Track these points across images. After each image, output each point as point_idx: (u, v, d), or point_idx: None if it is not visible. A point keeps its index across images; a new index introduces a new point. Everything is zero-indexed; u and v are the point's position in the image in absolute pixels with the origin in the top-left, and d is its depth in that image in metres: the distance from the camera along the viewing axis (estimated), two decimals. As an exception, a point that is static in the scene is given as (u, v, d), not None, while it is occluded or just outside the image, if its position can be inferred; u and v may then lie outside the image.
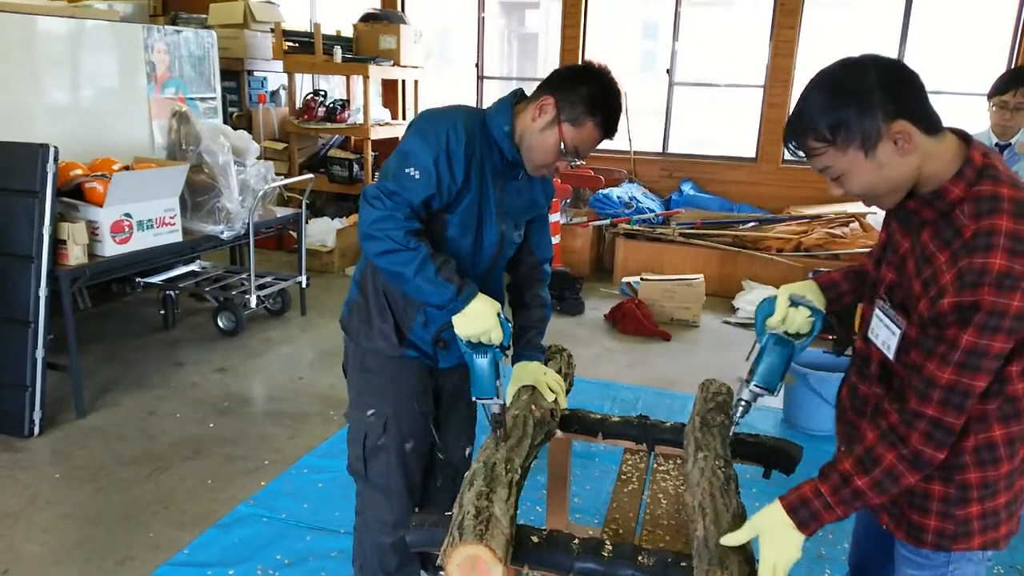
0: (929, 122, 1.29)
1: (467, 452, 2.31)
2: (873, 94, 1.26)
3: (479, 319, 1.74)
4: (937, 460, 1.31)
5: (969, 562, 1.46)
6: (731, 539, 1.45)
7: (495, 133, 1.84)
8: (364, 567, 2.22)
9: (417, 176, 1.72)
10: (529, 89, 1.92)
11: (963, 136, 1.35)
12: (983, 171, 1.29)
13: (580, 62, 1.85)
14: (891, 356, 1.43)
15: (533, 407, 1.95)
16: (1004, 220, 1.23)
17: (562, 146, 1.79)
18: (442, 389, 2.16)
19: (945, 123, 1.34)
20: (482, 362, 1.78)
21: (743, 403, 1.70)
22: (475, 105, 1.93)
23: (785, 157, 6.70)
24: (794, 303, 1.61)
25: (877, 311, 1.49)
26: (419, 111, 1.91)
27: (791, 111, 1.36)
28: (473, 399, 1.83)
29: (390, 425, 2.02)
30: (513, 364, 2.06)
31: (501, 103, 1.88)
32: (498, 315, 1.77)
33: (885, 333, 1.46)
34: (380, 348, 1.99)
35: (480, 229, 1.88)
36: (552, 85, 1.81)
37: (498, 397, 1.80)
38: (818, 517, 1.38)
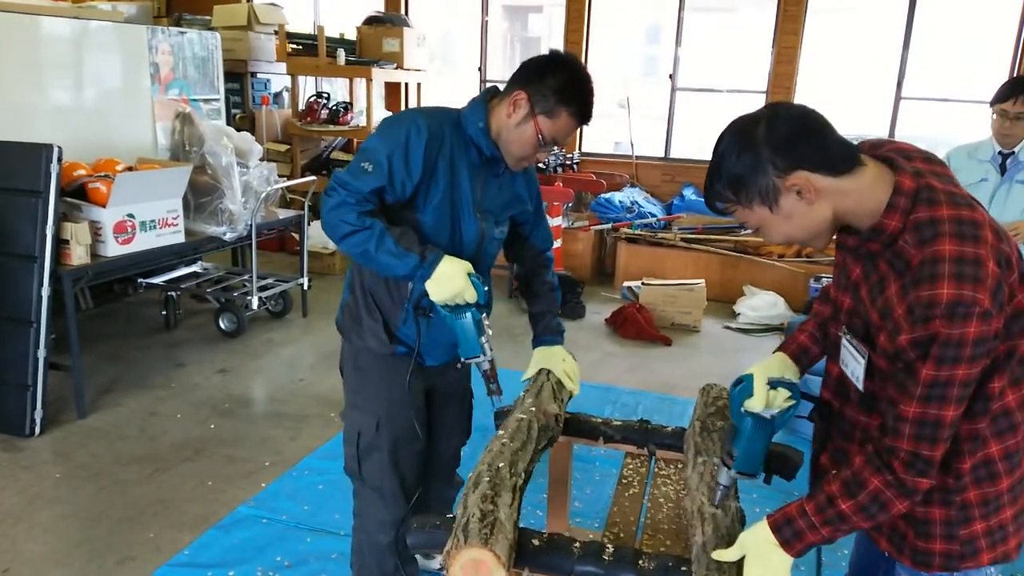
0: (832, 164, 1.26)
1: (458, 447, 2.36)
2: (761, 151, 1.26)
3: (449, 282, 1.79)
4: (922, 487, 1.28)
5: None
6: (722, 555, 1.44)
7: (470, 131, 1.87)
8: (362, 568, 2.23)
9: (370, 169, 1.79)
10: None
11: (889, 162, 1.31)
12: (917, 196, 1.25)
13: (547, 52, 1.89)
14: (860, 387, 1.41)
15: (538, 412, 1.95)
16: (946, 244, 1.19)
17: (540, 138, 1.82)
18: (435, 388, 2.18)
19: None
20: (463, 323, 1.84)
21: (722, 487, 1.62)
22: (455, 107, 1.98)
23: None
24: (772, 385, 1.54)
25: (844, 342, 1.46)
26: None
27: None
28: (463, 359, 1.90)
29: (382, 423, 2.05)
30: (535, 347, 2.14)
31: (474, 102, 1.91)
32: (469, 275, 1.81)
33: (853, 364, 1.43)
34: (371, 346, 2.02)
35: (456, 225, 1.91)
36: (522, 79, 1.83)
37: (485, 355, 1.87)
38: (802, 537, 1.35)
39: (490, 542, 1.44)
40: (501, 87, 1.91)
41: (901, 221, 1.25)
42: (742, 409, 1.55)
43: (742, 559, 1.43)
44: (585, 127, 1.94)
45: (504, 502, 1.57)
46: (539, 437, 1.87)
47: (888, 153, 1.33)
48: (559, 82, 1.79)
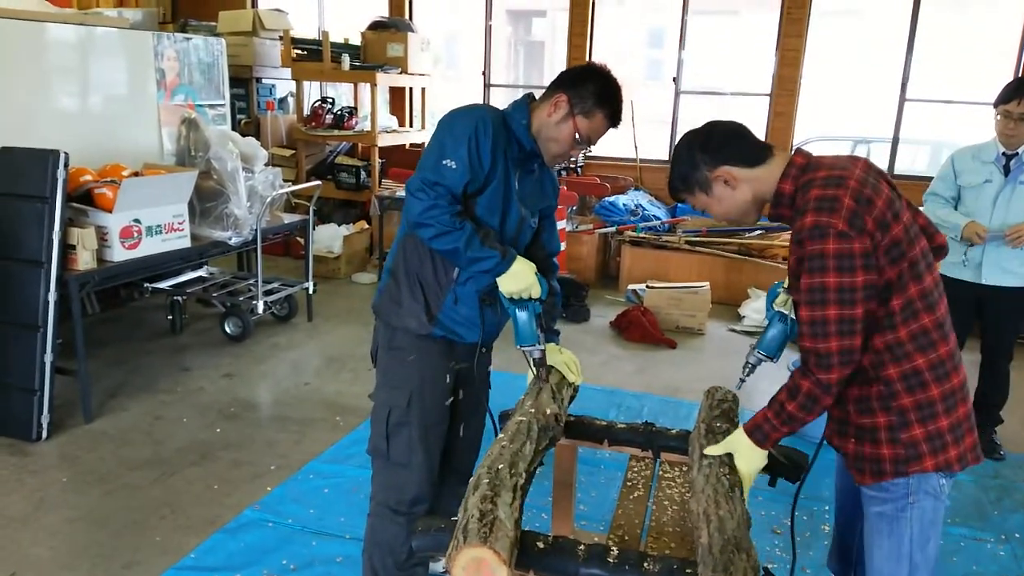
0: (747, 160, 1.73)
1: (478, 435, 2.43)
2: (695, 154, 1.76)
3: (521, 277, 2.01)
4: (832, 380, 1.63)
5: (927, 495, 1.68)
6: (712, 450, 1.85)
7: (514, 127, 2.06)
8: (374, 556, 2.25)
9: (454, 166, 1.94)
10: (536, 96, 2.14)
11: (795, 152, 1.73)
12: (806, 167, 1.69)
13: (585, 63, 2.16)
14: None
15: (537, 413, 1.96)
16: (814, 191, 1.61)
17: (577, 136, 2.04)
18: (462, 371, 2.25)
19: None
20: (523, 315, 2.06)
21: (749, 365, 2.05)
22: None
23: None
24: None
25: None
26: (439, 116, 2.19)
27: None
28: (519, 347, 2.10)
29: (414, 401, 2.15)
30: None
31: (518, 103, 2.12)
32: (536, 274, 2.03)
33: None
34: (410, 327, 2.14)
35: (505, 211, 2.09)
36: (563, 84, 2.05)
37: (539, 344, 2.09)
38: (769, 436, 1.76)
39: (489, 540, 1.45)
40: (537, 93, 2.14)
41: (793, 185, 1.68)
42: (772, 306, 1.95)
43: (749, 565, 1.46)
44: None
45: (504, 501, 1.58)
46: (539, 437, 1.89)
47: (799, 148, 1.78)
48: (596, 87, 2.02)
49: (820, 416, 2.09)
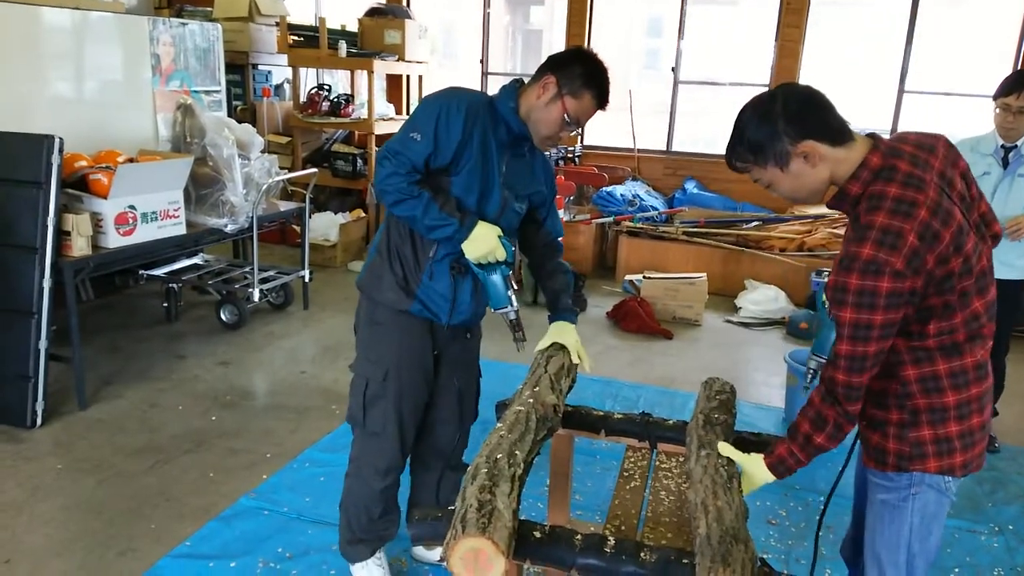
0: (834, 136, 1.56)
1: (456, 440, 2.48)
2: (778, 122, 1.56)
3: (483, 241, 2.05)
4: (856, 411, 1.61)
5: (930, 488, 1.66)
6: (724, 449, 1.83)
7: (502, 110, 2.11)
8: (350, 510, 2.44)
9: (419, 139, 2.01)
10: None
11: (875, 141, 1.60)
12: (879, 172, 1.54)
13: (571, 47, 2.22)
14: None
15: (536, 403, 1.95)
16: (881, 216, 1.47)
17: (565, 116, 2.07)
18: (443, 353, 2.35)
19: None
20: (494, 278, 2.11)
21: (811, 371, 2.12)
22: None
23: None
24: None
25: None
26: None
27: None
28: (493, 310, 2.17)
29: (391, 374, 2.24)
30: (551, 322, 2.33)
31: (507, 87, 2.16)
32: (499, 237, 2.07)
33: None
34: (389, 300, 2.21)
35: (485, 192, 2.13)
36: (551, 66, 2.09)
37: (512, 305, 2.15)
38: (791, 469, 1.73)
39: (488, 531, 1.45)
40: (525, 80, 2.18)
41: (860, 189, 1.55)
42: (824, 305, 1.86)
43: (747, 556, 1.46)
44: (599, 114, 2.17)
45: (502, 491, 1.57)
46: (537, 428, 1.88)
47: (875, 135, 1.62)
48: (583, 69, 2.05)
49: (809, 386, 2.26)
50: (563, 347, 2.26)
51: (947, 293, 1.52)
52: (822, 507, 1.98)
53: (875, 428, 1.70)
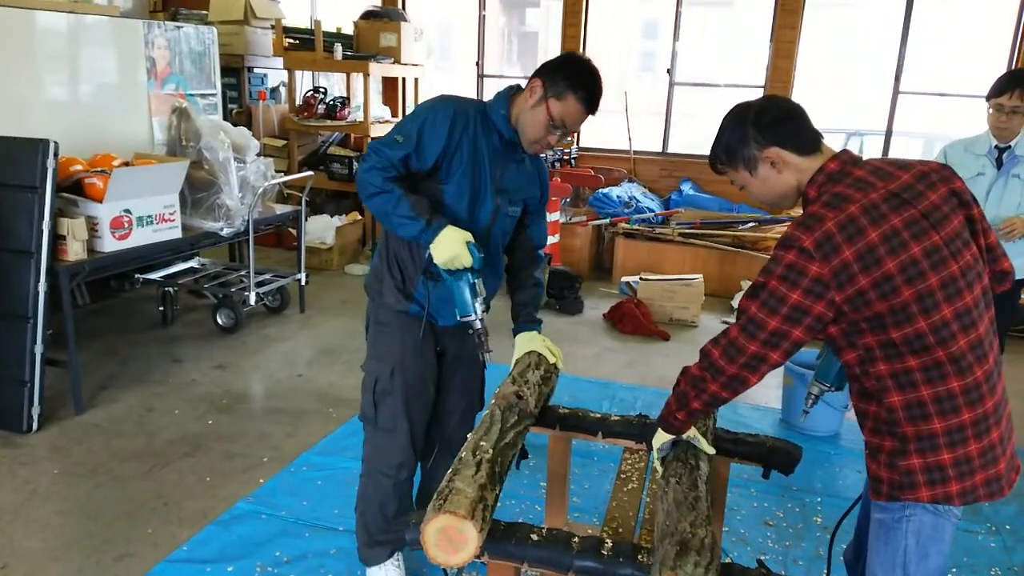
0: (802, 146, 1.64)
1: (463, 433, 2.45)
2: (747, 128, 1.66)
3: (449, 247, 2.04)
4: (728, 372, 1.65)
5: (925, 511, 1.62)
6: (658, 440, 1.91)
7: (494, 117, 2.14)
8: (365, 512, 2.46)
9: (401, 140, 2.06)
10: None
11: (835, 155, 1.66)
12: (832, 175, 1.61)
13: (564, 53, 2.26)
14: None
15: (498, 399, 2.03)
16: (817, 207, 1.55)
17: (551, 119, 2.07)
18: (446, 350, 2.41)
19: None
20: (460, 285, 2.10)
21: (811, 396, 2.14)
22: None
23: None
24: None
25: None
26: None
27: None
28: (458, 318, 2.14)
29: (396, 371, 2.31)
30: (516, 335, 2.37)
31: (500, 93, 2.18)
32: (468, 243, 2.05)
33: None
34: (390, 303, 2.28)
35: (476, 198, 2.16)
36: (540, 71, 2.11)
37: (475, 315, 2.12)
38: (685, 425, 1.85)
39: (444, 508, 1.49)
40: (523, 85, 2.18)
41: (817, 191, 1.62)
42: None
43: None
44: (590, 118, 2.17)
45: (463, 476, 1.62)
46: (504, 417, 1.93)
47: (845, 150, 1.69)
48: (570, 71, 2.07)
49: (808, 411, 2.28)
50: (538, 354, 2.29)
51: (893, 296, 1.49)
52: (833, 529, 2.02)
53: (872, 456, 1.67)
